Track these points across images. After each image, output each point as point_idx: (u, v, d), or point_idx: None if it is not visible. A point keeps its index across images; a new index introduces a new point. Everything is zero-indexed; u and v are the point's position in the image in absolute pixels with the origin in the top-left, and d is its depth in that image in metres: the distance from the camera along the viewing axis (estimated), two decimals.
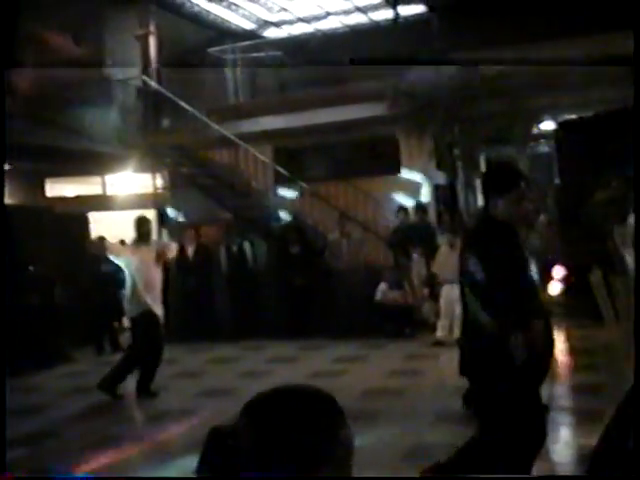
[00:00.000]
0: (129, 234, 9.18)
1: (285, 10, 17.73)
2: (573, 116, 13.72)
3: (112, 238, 12.84)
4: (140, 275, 8.38)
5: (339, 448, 1.27)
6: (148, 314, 8.35)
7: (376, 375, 8.81)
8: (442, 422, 6.63)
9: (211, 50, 17.71)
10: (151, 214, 14.29)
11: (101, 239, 12.34)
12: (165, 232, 14.07)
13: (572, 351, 9.51)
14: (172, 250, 9.59)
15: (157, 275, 8.62)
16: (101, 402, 8.30)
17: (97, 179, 15.95)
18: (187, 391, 8.60)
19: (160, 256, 8.69)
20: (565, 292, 10.99)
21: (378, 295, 11.51)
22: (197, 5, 16.88)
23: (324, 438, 1.25)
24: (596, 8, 14.54)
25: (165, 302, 11.34)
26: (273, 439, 1.24)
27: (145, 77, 15.42)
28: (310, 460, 1.23)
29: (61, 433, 7.16)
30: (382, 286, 11.54)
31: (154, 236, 9.82)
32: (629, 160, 9.22)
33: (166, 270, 10.20)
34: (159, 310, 8.51)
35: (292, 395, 1.31)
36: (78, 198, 15.47)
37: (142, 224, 8.66)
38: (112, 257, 11.63)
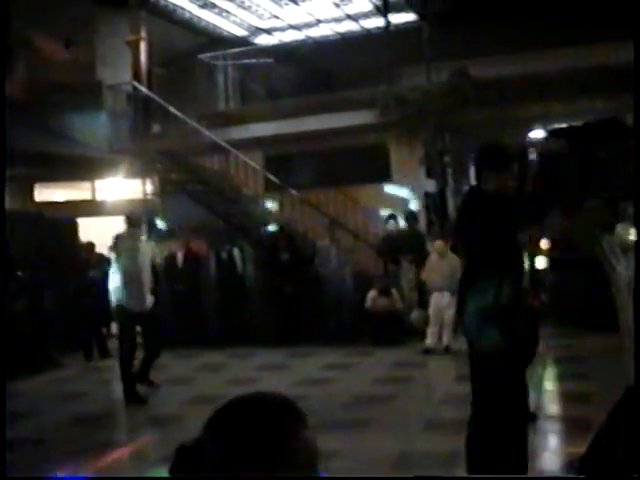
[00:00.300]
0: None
1: (276, 17, 17.76)
2: (563, 125, 13.78)
3: (101, 244, 12.79)
4: (122, 269, 8.40)
5: (301, 450, 1.28)
6: (124, 309, 8.38)
7: (365, 382, 8.80)
8: (431, 430, 6.62)
9: (202, 56, 17.72)
10: None
11: (90, 244, 12.28)
12: (154, 238, 14.02)
13: (563, 358, 9.52)
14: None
15: (143, 269, 8.59)
16: (89, 408, 8.26)
17: (87, 184, 15.90)
18: (175, 398, 8.56)
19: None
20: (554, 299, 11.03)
21: (368, 302, 11.51)
22: (189, 12, 16.88)
23: (283, 441, 1.26)
24: (589, 17, 14.63)
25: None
26: (233, 448, 1.25)
27: (136, 83, 15.39)
28: (272, 464, 1.24)
29: (48, 439, 7.11)
30: (372, 293, 11.54)
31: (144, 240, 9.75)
32: (618, 168, 9.30)
33: (155, 276, 10.18)
34: (142, 306, 8.48)
35: (248, 403, 1.33)
36: (67, 203, 15.41)
37: (130, 219, 8.78)
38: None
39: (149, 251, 8.96)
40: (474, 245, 4.48)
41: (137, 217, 8.78)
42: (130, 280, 8.37)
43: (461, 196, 14.00)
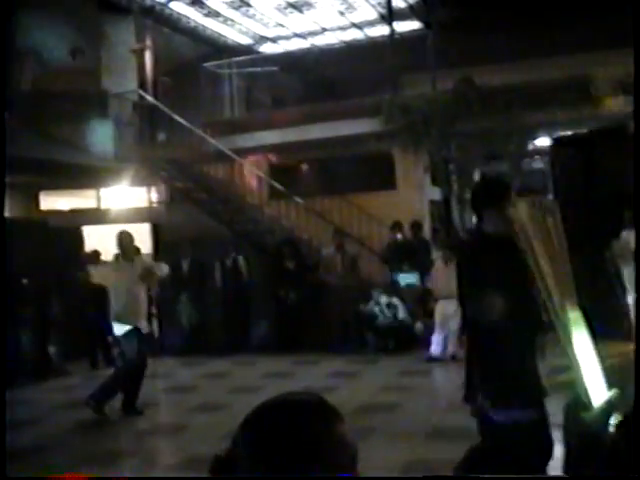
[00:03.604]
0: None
1: (281, 26, 17.81)
2: (568, 132, 13.77)
3: (106, 252, 12.78)
4: (120, 293, 8.24)
5: (338, 447, 1.25)
6: (128, 333, 8.18)
7: (369, 391, 8.78)
8: (435, 438, 6.60)
9: (207, 65, 17.77)
10: (146, 228, 14.29)
11: (95, 253, 12.28)
12: (159, 246, 14.03)
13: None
14: (163, 270, 9.31)
15: (140, 292, 8.44)
16: (93, 416, 8.25)
17: (92, 192, 15.92)
18: (179, 406, 8.55)
19: (145, 276, 8.46)
20: None
21: (373, 310, 11.48)
22: (194, 20, 16.94)
23: (319, 440, 1.23)
24: (593, 25, 14.63)
25: (159, 317, 11.26)
26: (269, 450, 1.22)
27: (141, 91, 15.43)
28: (309, 463, 1.21)
29: (53, 447, 7.11)
30: (374, 301, 11.51)
31: (148, 250, 9.70)
32: (622, 176, 9.28)
33: (160, 285, 10.17)
34: (141, 327, 8.35)
35: (281, 403, 1.30)
36: (72, 211, 15.43)
37: (122, 239, 8.46)
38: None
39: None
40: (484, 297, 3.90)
41: (127, 246, 8.44)
42: (128, 309, 8.20)
43: (466, 204, 14.05)
